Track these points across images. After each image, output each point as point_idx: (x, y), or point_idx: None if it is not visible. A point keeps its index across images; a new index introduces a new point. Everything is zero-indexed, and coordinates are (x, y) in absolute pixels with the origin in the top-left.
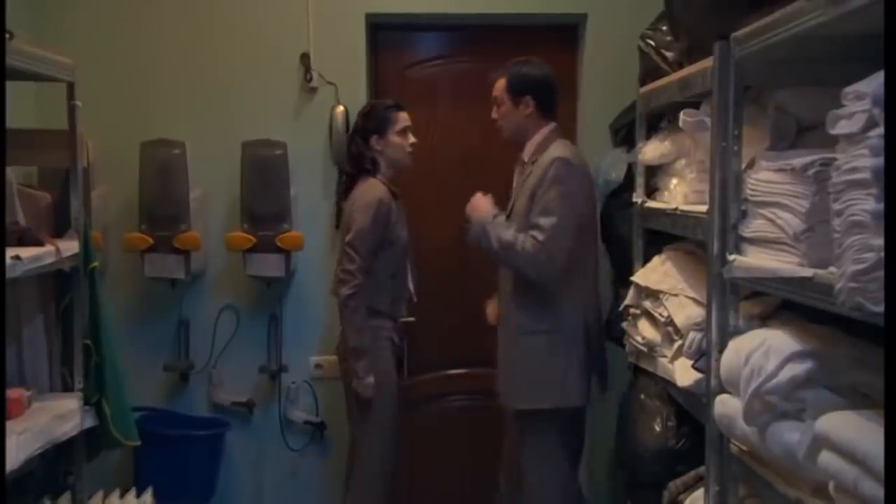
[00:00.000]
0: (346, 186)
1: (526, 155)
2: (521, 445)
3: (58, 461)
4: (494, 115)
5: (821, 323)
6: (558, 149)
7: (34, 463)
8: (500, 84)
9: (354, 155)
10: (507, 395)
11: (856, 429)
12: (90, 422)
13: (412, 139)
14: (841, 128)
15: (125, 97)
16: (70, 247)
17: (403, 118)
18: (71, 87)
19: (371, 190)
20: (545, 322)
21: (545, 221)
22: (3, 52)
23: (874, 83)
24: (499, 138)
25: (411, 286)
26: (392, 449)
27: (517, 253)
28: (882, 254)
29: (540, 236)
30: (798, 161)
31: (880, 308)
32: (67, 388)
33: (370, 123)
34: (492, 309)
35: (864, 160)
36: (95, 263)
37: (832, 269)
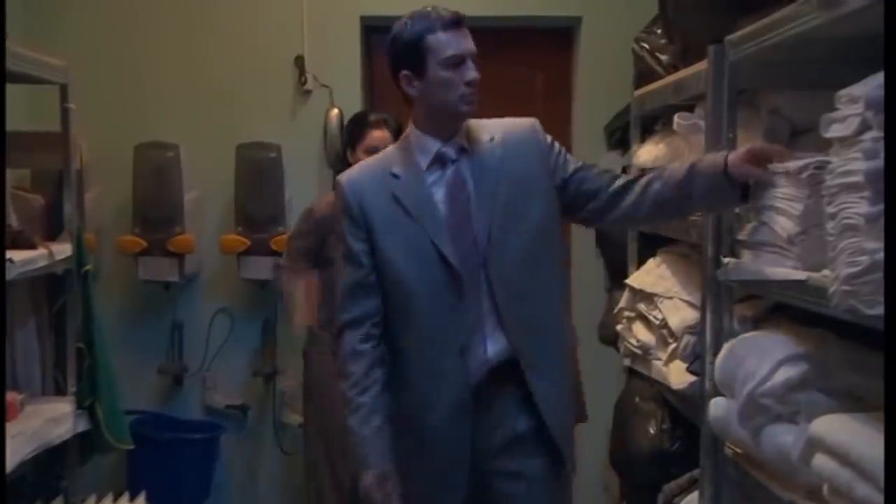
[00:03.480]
0: None
1: (465, 141)
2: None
3: (50, 465)
4: (476, 73)
5: (817, 324)
6: (498, 119)
7: (27, 467)
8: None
9: (337, 162)
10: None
11: (850, 432)
12: (83, 425)
13: None
14: (834, 131)
15: (119, 99)
16: (63, 249)
17: (374, 138)
18: (64, 89)
19: (319, 199)
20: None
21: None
22: (3, 53)
23: (867, 86)
24: None
25: None
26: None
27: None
28: (876, 257)
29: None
30: (792, 164)
31: (874, 311)
32: (60, 391)
33: (346, 134)
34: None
35: (857, 163)
36: (89, 266)
37: (826, 272)
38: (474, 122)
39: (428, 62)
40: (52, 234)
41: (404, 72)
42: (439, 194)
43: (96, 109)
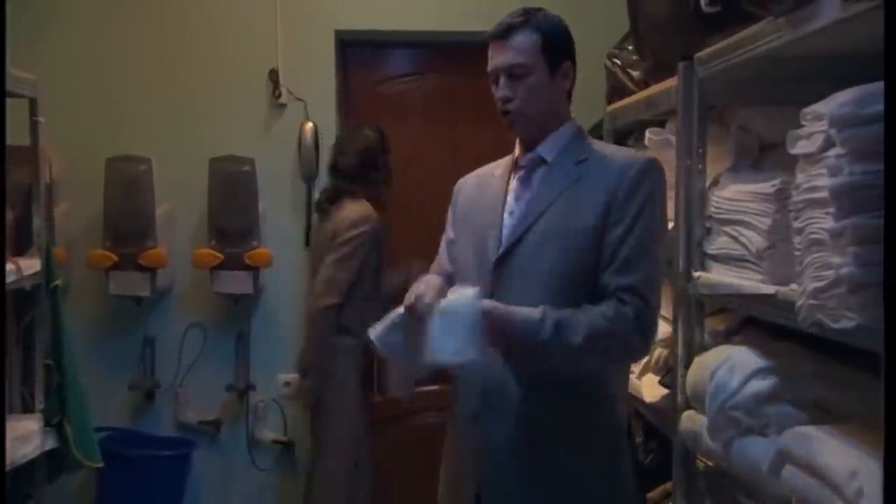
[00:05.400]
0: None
1: (548, 152)
2: None
3: (18, 484)
4: (507, 91)
5: (786, 337)
6: (620, 148)
7: None
8: (529, 41)
9: (342, 172)
10: None
11: (818, 444)
12: (51, 443)
13: None
14: (800, 147)
15: (90, 112)
16: (31, 265)
17: None
18: (33, 102)
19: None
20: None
21: (645, 263)
22: (4, 54)
23: (831, 104)
24: (468, 155)
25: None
26: (352, 469)
27: (607, 339)
28: (840, 271)
29: (644, 290)
30: (761, 185)
31: (839, 325)
32: (28, 408)
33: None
34: None
35: (822, 179)
36: (58, 282)
37: (793, 285)
38: (591, 140)
39: None
40: (21, 248)
41: None
42: (510, 196)
43: (67, 123)
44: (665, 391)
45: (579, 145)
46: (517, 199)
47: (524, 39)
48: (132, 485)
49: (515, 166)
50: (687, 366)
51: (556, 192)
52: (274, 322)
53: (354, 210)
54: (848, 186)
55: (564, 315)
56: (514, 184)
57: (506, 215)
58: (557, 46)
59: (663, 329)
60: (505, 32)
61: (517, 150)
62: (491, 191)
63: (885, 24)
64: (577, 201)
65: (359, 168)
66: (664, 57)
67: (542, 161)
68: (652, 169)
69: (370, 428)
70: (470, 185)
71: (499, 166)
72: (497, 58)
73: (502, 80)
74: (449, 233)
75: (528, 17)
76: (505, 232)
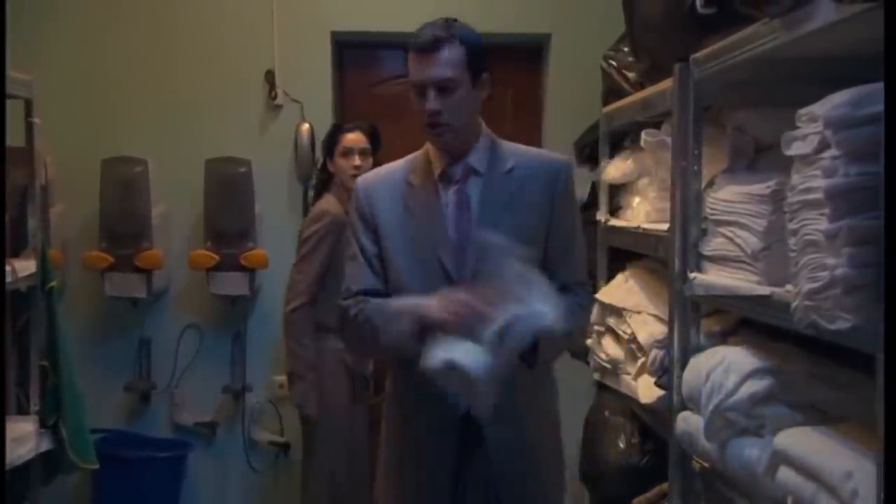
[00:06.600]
0: (313, 203)
1: (479, 163)
2: None
3: (13, 486)
4: (435, 104)
5: (781, 338)
6: (533, 149)
7: None
8: (456, 55)
9: (318, 174)
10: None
11: (813, 444)
12: (47, 445)
13: (356, 161)
14: (795, 149)
15: (86, 113)
16: (27, 266)
17: (347, 140)
18: (28, 103)
19: (323, 200)
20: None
21: (583, 255)
22: (4, 54)
23: (827, 105)
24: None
25: None
26: (344, 478)
27: (581, 323)
28: (835, 272)
29: (586, 277)
30: (757, 186)
31: (834, 326)
32: (23, 410)
33: (323, 146)
34: None
35: (817, 181)
36: (53, 283)
37: (789, 287)
38: (506, 145)
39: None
40: (16, 250)
41: None
42: (449, 210)
43: (63, 124)
44: (661, 392)
45: (500, 153)
46: (460, 210)
47: (452, 53)
48: (128, 486)
49: (443, 176)
50: (683, 367)
51: (502, 204)
52: (270, 323)
53: (315, 208)
54: (843, 188)
55: (566, 308)
56: (450, 196)
57: (449, 228)
58: (478, 59)
59: (659, 330)
60: (434, 45)
61: (438, 160)
62: (417, 202)
63: (885, 25)
64: (525, 210)
65: (322, 167)
66: (660, 58)
67: (474, 171)
68: (572, 168)
69: (369, 434)
70: (381, 192)
71: (409, 171)
72: (426, 71)
73: (432, 94)
74: (367, 246)
75: (453, 30)
76: (455, 247)
